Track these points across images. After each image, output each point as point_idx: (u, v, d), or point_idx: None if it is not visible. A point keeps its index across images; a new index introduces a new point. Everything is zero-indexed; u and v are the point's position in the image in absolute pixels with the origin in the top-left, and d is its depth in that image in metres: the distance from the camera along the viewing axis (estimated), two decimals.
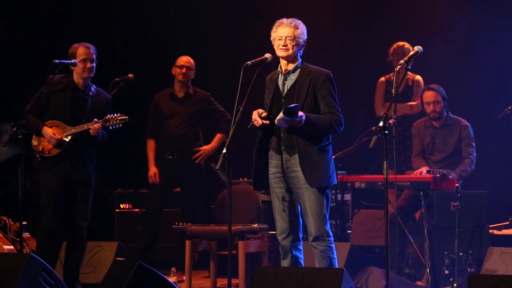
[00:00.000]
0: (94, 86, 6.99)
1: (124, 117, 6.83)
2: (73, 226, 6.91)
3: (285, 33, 5.89)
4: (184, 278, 7.58)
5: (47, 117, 6.91)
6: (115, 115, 6.83)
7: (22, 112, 6.57)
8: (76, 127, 6.82)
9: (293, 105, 5.72)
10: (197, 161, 8.35)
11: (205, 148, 8.43)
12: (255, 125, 5.86)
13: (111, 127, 6.84)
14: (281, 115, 5.69)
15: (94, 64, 6.88)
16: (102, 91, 7.07)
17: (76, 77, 6.92)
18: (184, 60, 8.41)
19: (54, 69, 6.69)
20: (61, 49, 7.10)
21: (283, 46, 5.89)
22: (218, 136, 8.48)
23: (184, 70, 8.38)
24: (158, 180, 8.32)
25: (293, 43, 5.89)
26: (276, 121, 5.78)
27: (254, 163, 6.00)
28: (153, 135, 8.45)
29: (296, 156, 5.87)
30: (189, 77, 8.41)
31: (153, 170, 8.36)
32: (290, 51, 5.90)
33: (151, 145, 8.45)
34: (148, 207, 8.53)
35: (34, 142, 6.95)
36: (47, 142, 6.83)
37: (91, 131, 6.77)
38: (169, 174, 8.35)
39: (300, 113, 5.71)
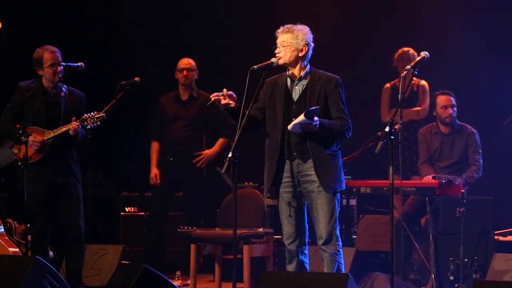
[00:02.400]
0: (65, 86, 6.99)
1: (101, 114, 6.83)
2: (69, 228, 6.91)
3: (279, 40, 5.93)
4: (189, 282, 7.58)
5: (23, 125, 6.88)
6: (92, 113, 6.83)
7: None
8: (55, 130, 6.83)
9: (313, 107, 5.73)
10: (197, 165, 8.32)
11: (207, 152, 8.40)
12: (217, 103, 5.83)
13: (89, 126, 6.84)
14: (301, 117, 5.67)
15: (62, 67, 6.90)
16: (74, 90, 7.06)
17: (45, 82, 6.93)
18: (185, 62, 8.40)
19: (58, 75, 6.75)
20: (65, 52, 7.09)
21: (277, 53, 5.91)
22: (221, 141, 8.46)
23: (185, 72, 8.36)
24: (159, 181, 8.31)
25: (288, 49, 5.90)
26: (290, 126, 5.77)
27: (267, 170, 6.00)
28: (157, 137, 8.45)
29: (310, 161, 5.87)
30: (192, 79, 8.39)
31: (154, 171, 8.35)
32: (285, 57, 5.90)
33: (155, 147, 8.45)
34: (152, 211, 8.53)
35: (15, 151, 6.93)
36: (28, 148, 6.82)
37: (70, 131, 6.77)
38: (171, 177, 8.33)
39: (315, 118, 5.71)
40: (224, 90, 5.83)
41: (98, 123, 6.84)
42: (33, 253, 6.83)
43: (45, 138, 6.83)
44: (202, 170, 8.40)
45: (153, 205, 8.50)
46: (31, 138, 6.79)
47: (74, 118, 6.79)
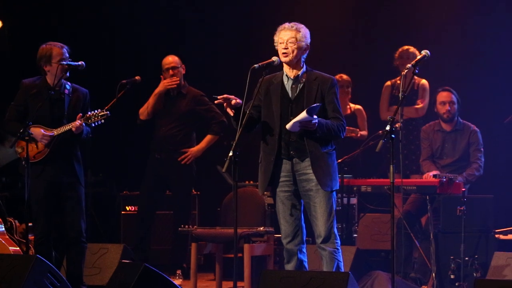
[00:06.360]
0: (69, 84, 6.95)
1: (105, 112, 6.80)
2: (70, 228, 6.89)
3: (286, 36, 5.89)
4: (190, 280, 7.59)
5: (24, 124, 6.86)
6: (96, 111, 6.80)
7: (3, 122, 6.55)
8: (59, 128, 6.79)
9: (315, 104, 5.73)
10: (182, 162, 8.27)
11: (193, 149, 8.34)
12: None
13: (93, 124, 6.82)
14: (303, 114, 5.66)
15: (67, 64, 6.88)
16: (78, 87, 7.02)
17: (50, 78, 6.87)
18: (169, 61, 8.31)
19: (65, 72, 6.74)
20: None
21: (284, 49, 5.89)
22: (208, 138, 8.39)
23: (171, 72, 8.28)
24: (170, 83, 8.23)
25: (295, 46, 5.88)
26: (289, 125, 5.77)
27: (263, 169, 5.99)
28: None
29: (307, 159, 5.88)
30: (180, 75, 8.34)
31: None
32: (292, 55, 5.89)
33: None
34: (140, 209, 8.48)
35: (19, 149, 6.90)
36: (35, 144, 6.80)
37: (73, 129, 6.73)
38: (157, 174, 8.29)
39: (314, 116, 5.72)
40: (225, 95, 5.85)
41: (102, 121, 6.82)
42: (36, 253, 6.83)
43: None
44: (191, 169, 8.37)
45: (140, 204, 8.48)
46: (40, 132, 6.78)
47: (80, 115, 6.78)
